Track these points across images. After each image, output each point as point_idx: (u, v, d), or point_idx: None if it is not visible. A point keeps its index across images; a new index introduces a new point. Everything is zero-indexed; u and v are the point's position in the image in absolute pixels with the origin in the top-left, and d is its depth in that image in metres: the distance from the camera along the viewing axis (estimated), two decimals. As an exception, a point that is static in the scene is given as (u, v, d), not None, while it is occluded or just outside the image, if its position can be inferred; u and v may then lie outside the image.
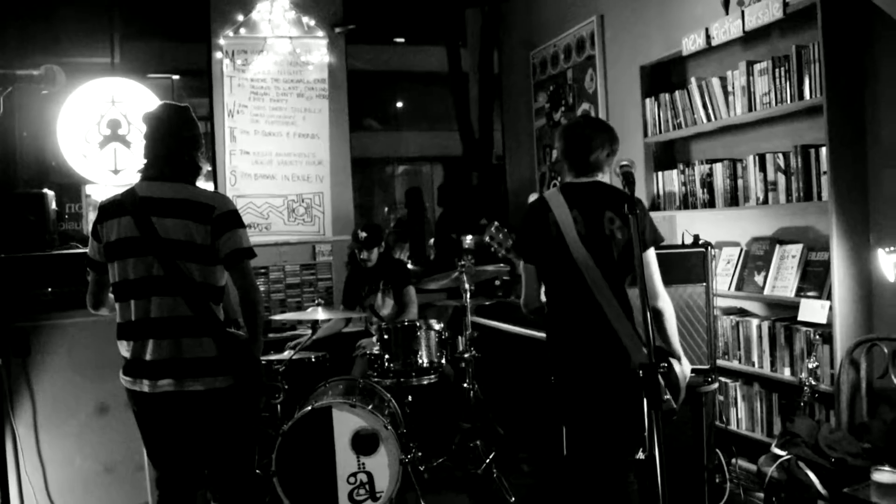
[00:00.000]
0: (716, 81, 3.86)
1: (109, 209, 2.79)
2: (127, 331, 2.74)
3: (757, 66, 3.59)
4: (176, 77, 8.36)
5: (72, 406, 3.64)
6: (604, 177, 2.86)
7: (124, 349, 2.76)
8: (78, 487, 3.63)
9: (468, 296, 4.37)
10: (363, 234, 4.94)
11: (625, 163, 2.26)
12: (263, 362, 4.28)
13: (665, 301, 2.75)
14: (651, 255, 2.73)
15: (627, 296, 2.73)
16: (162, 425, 2.77)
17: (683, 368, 2.76)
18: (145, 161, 2.84)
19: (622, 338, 2.59)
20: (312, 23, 5.78)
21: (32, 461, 3.58)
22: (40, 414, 3.62)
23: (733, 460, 3.65)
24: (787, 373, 3.49)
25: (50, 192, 4.74)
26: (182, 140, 2.82)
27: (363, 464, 3.76)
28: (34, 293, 3.68)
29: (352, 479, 3.75)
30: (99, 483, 3.65)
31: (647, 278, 2.59)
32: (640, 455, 2.68)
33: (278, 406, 4.16)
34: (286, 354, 4.36)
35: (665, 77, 4.34)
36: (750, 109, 3.65)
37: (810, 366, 3.26)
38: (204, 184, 3.10)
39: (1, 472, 1.93)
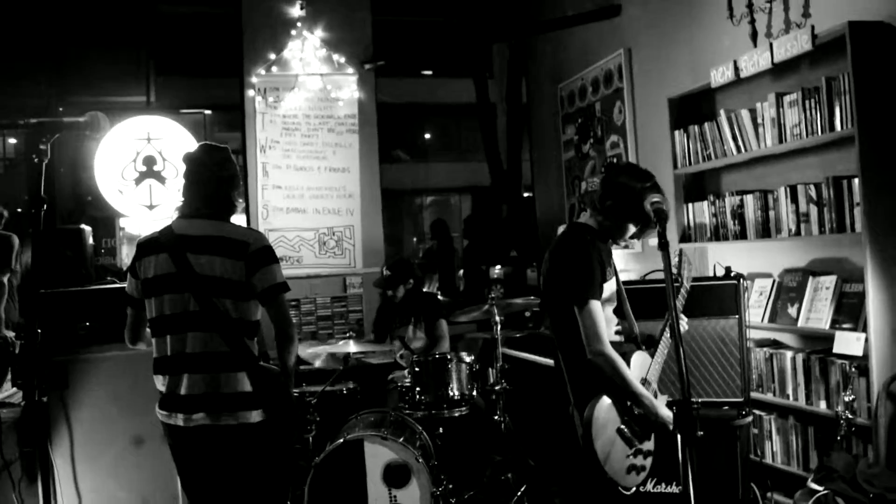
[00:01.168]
0: (745, 113, 3.86)
1: (147, 247, 2.86)
2: (163, 365, 2.79)
3: (787, 98, 3.59)
4: (209, 112, 8.56)
5: (108, 438, 3.70)
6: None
7: (160, 383, 2.81)
8: (114, 519, 3.67)
9: (498, 328, 4.38)
10: (387, 273, 4.99)
11: (656, 199, 2.27)
12: (296, 394, 4.32)
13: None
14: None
15: None
16: (196, 459, 2.81)
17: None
18: (183, 199, 2.91)
19: None
20: (343, 60, 5.90)
21: (69, 492, 3.63)
22: (77, 446, 3.67)
23: (769, 494, 3.59)
24: (822, 406, 3.44)
25: (87, 228, 4.87)
26: (220, 180, 2.89)
27: (395, 496, 3.76)
28: (72, 328, 3.76)
29: (383, 513, 3.75)
30: (134, 515, 3.69)
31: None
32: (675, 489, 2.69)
33: (310, 438, 4.19)
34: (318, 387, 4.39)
35: (694, 109, 4.35)
36: (780, 141, 3.65)
37: (847, 399, 3.22)
38: (237, 217, 3.16)
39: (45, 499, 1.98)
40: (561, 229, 5.51)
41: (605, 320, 2.76)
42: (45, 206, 1.98)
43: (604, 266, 2.79)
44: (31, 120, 1.96)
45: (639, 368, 2.84)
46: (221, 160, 2.94)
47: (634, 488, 3.57)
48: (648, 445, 2.82)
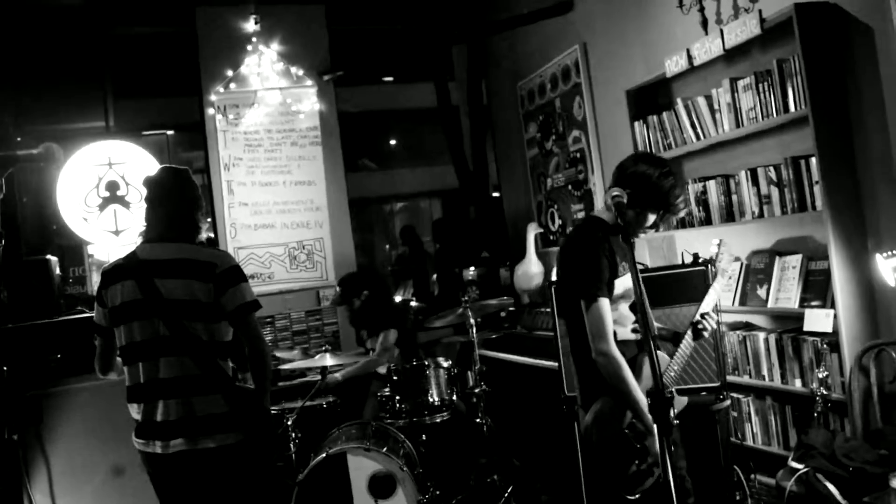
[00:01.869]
0: (702, 100, 3.91)
1: (112, 274, 2.83)
2: (136, 393, 2.76)
3: (741, 83, 3.64)
4: (171, 132, 8.47)
5: (87, 470, 3.65)
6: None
7: (135, 412, 2.77)
8: (98, 552, 3.62)
9: (474, 331, 4.38)
10: (337, 290, 5.03)
11: (616, 193, 2.28)
12: (275, 411, 4.29)
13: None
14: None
15: None
16: (176, 485, 2.78)
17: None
18: (146, 224, 2.89)
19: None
20: (301, 72, 5.87)
21: (51, 529, 3.57)
22: (56, 480, 3.62)
23: (752, 476, 3.63)
24: (798, 384, 3.49)
25: (53, 258, 4.79)
26: (182, 202, 2.88)
27: (381, 507, 3.75)
28: (43, 360, 3.70)
29: (371, 524, 3.73)
30: (118, 546, 3.64)
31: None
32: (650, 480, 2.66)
33: (293, 455, 4.16)
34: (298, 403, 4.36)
35: (651, 99, 4.39)
36: (738, 125, 3.69)
37: (820, 375, 3.26)
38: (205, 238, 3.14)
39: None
40: (533, 228, 5.57)
41: (617, 318, 2.70)
42: (2, 241, 1.94)
43: (614, 261, 2.71)
44: (-20, 156, 1.92)
45: (626, 369, 2.73)
46: (182, 182, 2.92)
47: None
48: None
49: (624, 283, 2.75)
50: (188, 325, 2.71)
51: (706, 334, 2.96)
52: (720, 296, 3.06)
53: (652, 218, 2.78)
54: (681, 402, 2.86)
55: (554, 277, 2.85)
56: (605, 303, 2.63)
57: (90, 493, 3.62)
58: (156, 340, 2.72)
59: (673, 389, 2.78)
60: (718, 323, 3.62)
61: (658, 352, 2.79)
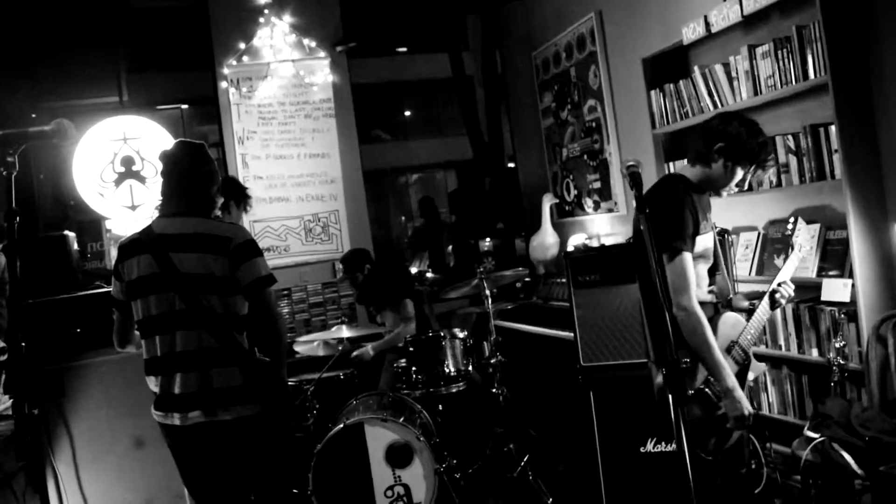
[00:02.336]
0: (719, 68, 3.85)
1: (128, 248, 2.84)
2: (154, 366, 2.79)
3: (759, 50, 3.58)
4: (185, 106, 8.48)
5: (109, 442, 3.71)
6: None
7: (153, 384, 2.81)
8: (121, 520, 3.70)
9: (489, 301, 4.38)
10: (339, 266, 5.09)
11: (631, 163, 2.25)
12: (293, 383, 4.34)
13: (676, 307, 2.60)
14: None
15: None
16: (196, 456, 2.82)
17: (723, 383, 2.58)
18: (161, 198, 2.89)
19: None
20: (313, 44, 5.84)
21: (75, 498, 3.64)
22: (79, 452, 3.68)
23: (768, 445, 3.63)
24: (814, 353, 3.47)
25: (71, 234, 4.83)
26: (198, 177, 2.87)
27: (399, 476, 3.79)
28: (63, 335, 3.75)
29: (389, 493, 3.79)
30: (141, 515, 3.72)
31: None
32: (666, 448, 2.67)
33: (311, 426, 4.21)
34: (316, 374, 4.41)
35: (668, 67, 4.33)
36: (756, 93, 3.64)
37: (837, 345, 3.24)
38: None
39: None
40: (549, 198, 5.55)
41: (696, 277, 2.65)
42: (17, 219, 1.96)
43: (697, 218, 2.67)
44: (-7, 132, 1.93)
45: (730, 328, 2.74)
46: (198, 156, 2.91)
47: (643, 449, 3.63)
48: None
49: (704, 241, 2.71)
50: (203, 298, 2.72)
51: (783, 302, 2.95)
52: (796, 268, 3.04)
53: (740, 174, 2.75)
54: (758, 367, 2.84)
55: (630, 235, 2.78)
56: (688, 257, 2.60)
57: (112, 464, 3.69)
58: (172, 314, 2.74)
59: (750, 353, 2.78)
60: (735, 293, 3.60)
61: (729, 312, 2.79)
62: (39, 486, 2.00)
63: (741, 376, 2.69)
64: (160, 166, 2.92)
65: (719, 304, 2.85)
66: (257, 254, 2.83)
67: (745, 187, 2.85)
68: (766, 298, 2.89)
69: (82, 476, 3.67)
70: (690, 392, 2.61)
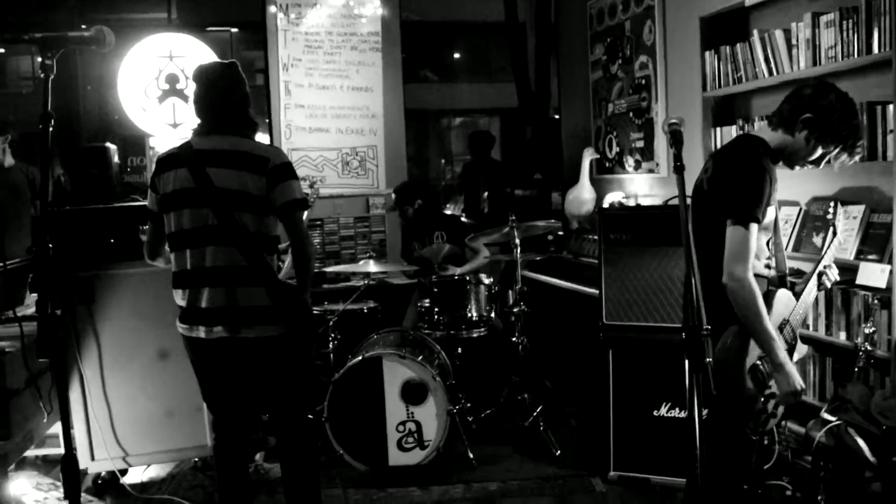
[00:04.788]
0: (779, 34, 3.71)
1: (166, 162, 2.87)
2: (182, 279, 2.84)
3: (823, 18, 3.44)
4: (234, 30, 8.44)
5: (134, 351, 3.79)
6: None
7: (180, 298, 2.86)
8: (141, 426, 3.80)
9: (518, 251, 4.37)
10: (392, 196, 5.14)
11: (673, 120, 2.19)
12: (317, 312, 4.39)
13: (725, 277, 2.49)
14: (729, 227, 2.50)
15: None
16: (217, 370, 2.89)
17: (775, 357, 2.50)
18: (198, 117, 2.91)
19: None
20: (366, -26, 5.74)
21: (99, 401, 3.76)
22: (105, 357, 3.78)
23: (783, 422, 3.61)
24: (842, 337, 3.42)
25: (112, 146, 4.88)
26: (231, 99, 2.89)
27: (412, 413, 3.85)
28: (98, 244, 3.81)
29: (401, 428, 3.85)
30: (161, 423, 3.82)
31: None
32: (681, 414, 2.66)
33: (331, 355, 4.28)
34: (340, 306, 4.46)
35: (726, 29, 4.19)
36: (815, 63, 3.51)
37: (867, 331, 3.18)
38: (260, 137, 3.18)
39: (66, 409, 2.07)
40: (587, 153, 5.46)
41: (757, 249, 2.54)
42: (52, 122, 1.97)
43: (772, 188, 2.54)
44: (35, 34, 1.93)
45: (783, 307, 2.66)
46: (231, 77, 2.92)
47: (656, 412, 3.63)
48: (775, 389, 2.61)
49: (771, 213, 2.60)
50: (237, 215, 2.75)
51: (828, 285, 2.90)
52: (836, 251, 2.98)
53: (820, 151, 2.60)
54: (802, 349, 2.77)
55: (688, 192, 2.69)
56: (755, 228, 2.46)
57: (136, 372, 3.78)
58: (204, 229, 2.77)
59: (797, 333, 2.71)
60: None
61: (783, 290, 2.71)
62: (62, 386, 2.05)
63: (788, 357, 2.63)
64: (193, 86, 2.93)
65: (773, 279, 2.76)
66: (293, 176, 2.86)
67: (821, 167, 2.69)
68: (814, 278, 2.83)
69: (107, 381, 3.77)
70: (732, 367, 2.51)
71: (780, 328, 2.65)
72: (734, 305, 2.47)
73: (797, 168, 2.70)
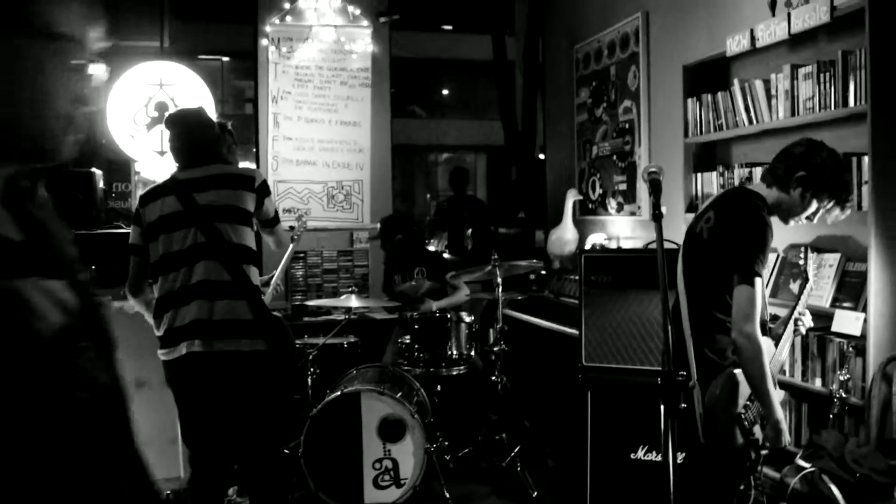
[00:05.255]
0: (759, 84, 3.80)
1: (151, 194, 2.96)
2: (167, 302, 2.88)
3: (802, 70, 3.52)
4: (225, 59, 8.51)
5: (111, 380, 3.77)
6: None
7: (163, 323, 2.86)
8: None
9: (500, 290, 4.39)
10: (378, 227, 5.12)
11: (653, 169, 2.24)
12: (297, 346, 4.38)
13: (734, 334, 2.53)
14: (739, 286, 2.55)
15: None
16: (199, 389, 2.89)
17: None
18: (177, 162, 3.07)
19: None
20: (357, 12, 5.83)
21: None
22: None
23: (759, 468, 3.62)
24: (818, 383, 3.45)
25: (98, 172, 4.88)
26: (207, 140, 3.08)
27: (389, 450, 3.83)
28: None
29: (377, 465, 3.83)
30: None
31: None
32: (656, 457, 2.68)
33: (309, 390, 4.25)
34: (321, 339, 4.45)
35: (708, 77, 4.28)
36: (793, 114, 3.59)
37: (842, 378, 3.21)
38: (247, 166, 3.49)
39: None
40: (571, 194, 5.52)
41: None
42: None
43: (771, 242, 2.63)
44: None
45: (766, 355, 2.68)
46: (203, 122, 3.10)
47: (633, 455, 3.63)
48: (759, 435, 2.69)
49: (769, 267, 2.69)
50: (220, 226, 2.86)
51: (803, 331, 2.96)
52: (810, 298, 3.04)
53: (814, 206, 2.68)
54: (779, 394, 2.79)
55: (674, 237, 2.73)
56: (759, 283, 2.52)
57: (112, 402, 3.75)
58: (194, 247, 2.86)
59: (776, 380, 2.72)
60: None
61: (764, 337, 2.69)
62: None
63: None
64: (168, 132, 3.12)
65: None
66: (270, 192, 3.16)
67: (815, 221, 2.78)
68: (790, 325, 2.87)
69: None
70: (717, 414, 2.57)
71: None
72: (742, 360, 2.53)
73: (791, 223, 2.78)
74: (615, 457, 3.68)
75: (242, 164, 3.28)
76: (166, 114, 5.22)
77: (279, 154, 5.78)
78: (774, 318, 3.76)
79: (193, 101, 5.02)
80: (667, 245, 2.22)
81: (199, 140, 3.03)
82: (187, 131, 3.04)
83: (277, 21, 5.73)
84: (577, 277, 4.71)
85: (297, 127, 5.80)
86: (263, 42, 5.74)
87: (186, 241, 2.86)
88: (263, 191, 3.06)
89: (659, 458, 3.58)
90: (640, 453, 3.66)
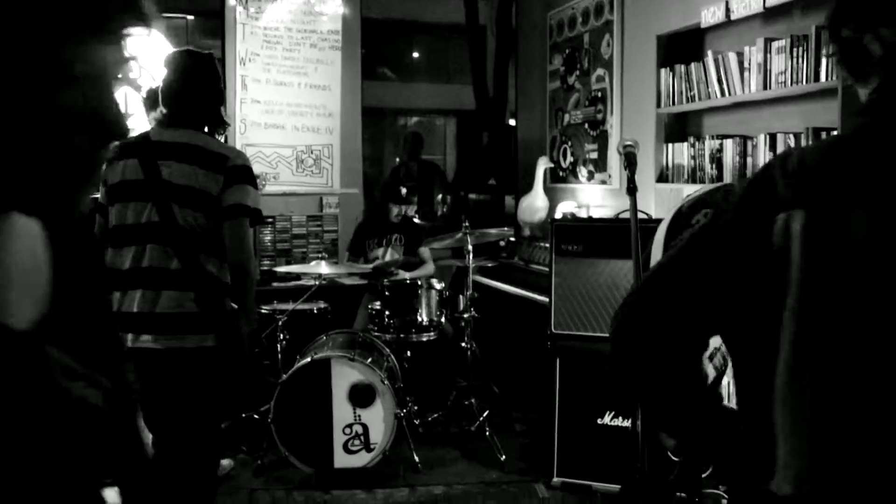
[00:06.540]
0: (732, 56, 3.82)
1: (118, 152, 2.67)
2: (115, 280, 2.60)
3: (775, 44, 3.55)
4: (191, 18, 8.29)
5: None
6: None
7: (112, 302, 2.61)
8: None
9: (471, 257, 4.40)
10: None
11: (628, 143, 2.25)
12: (266, 312, 4.35)
13: None
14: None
15: None
16: (143, 383, 2.61)
17: None
18: (165, 109, 2.72)
19: None
20: (329, -29, 5.71)
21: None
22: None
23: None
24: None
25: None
26: (207, 91, 2.74)
27: (359, 416, 3.86)
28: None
29: (347, 430, 3.85)
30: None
31: None
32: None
33: (279, 356, 4.24)
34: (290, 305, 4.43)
35: (682, 48, 4.29)
36: (765, 87, 3.62)
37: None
38: None
39: None
40: (542, 162, 5.52)
41: None
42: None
43: None
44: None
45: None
46: (207, 70, 2.76)
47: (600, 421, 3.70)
48: None
49: None
50: (178, 211, 2.56)
51: None
52: None
53: None
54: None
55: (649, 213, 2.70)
56: None
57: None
58: (146, 226, 2.59)
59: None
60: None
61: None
62: None
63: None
64: (164, 72, 2.75)
65: None
66: (251, 182, 2.68)
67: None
68: None
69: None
70: None
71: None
72: None
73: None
74: (582, 422, 3.75)
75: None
76: (129, 74, 5.11)
77: (247, 117, 5.69)
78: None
79: (156, 61, 4.88)
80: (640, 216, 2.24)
81: (194, 92, 2.66)
82: (182, 76, 2.67)
83: (246, -21, 5.59)
84: (547, 245, 4.74)
85: (265, 90, 5.70)
86: (231, 1, 5.60)
87: (141, 217, 2.57)
88: (236, 175, 2.60)
89: (625, 423, 3.66)
90: (607, 419, 3.73)
